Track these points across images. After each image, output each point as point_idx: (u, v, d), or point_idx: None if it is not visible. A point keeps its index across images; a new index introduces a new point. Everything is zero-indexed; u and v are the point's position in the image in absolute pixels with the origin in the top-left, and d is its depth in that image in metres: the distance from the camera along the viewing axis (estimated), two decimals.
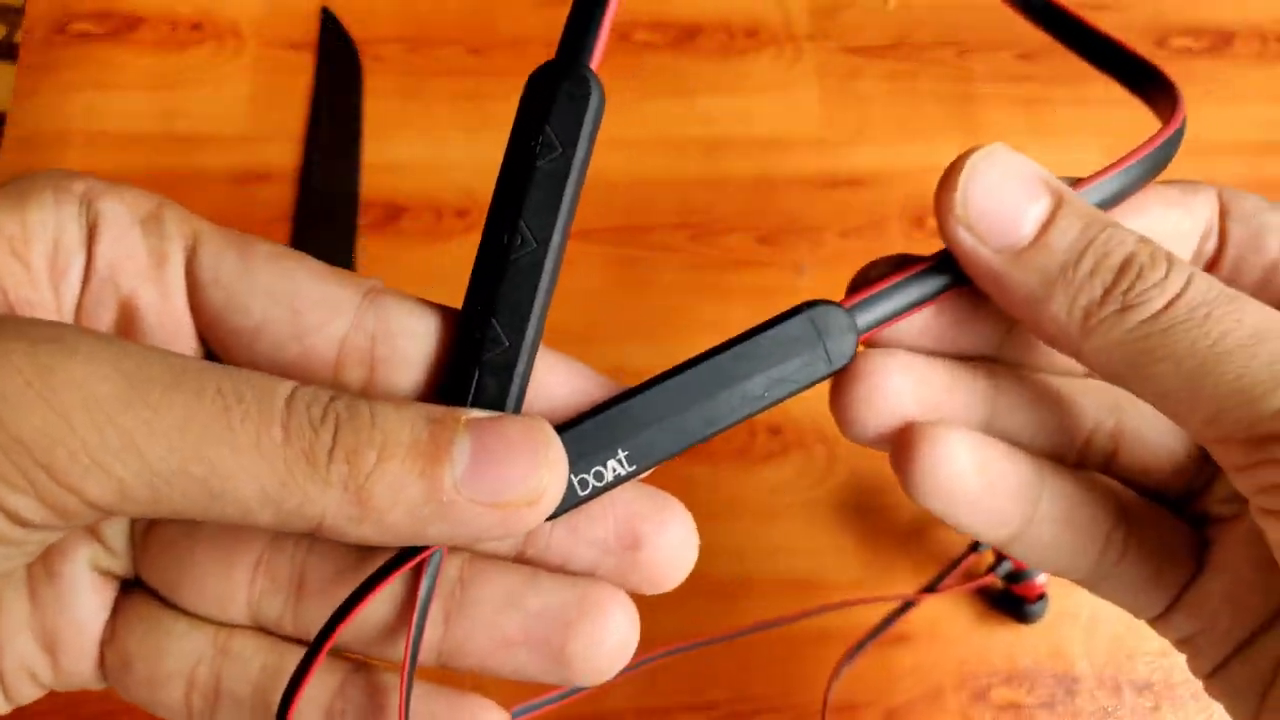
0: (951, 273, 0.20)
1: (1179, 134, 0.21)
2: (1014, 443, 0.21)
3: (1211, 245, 0.21)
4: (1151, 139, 0.20)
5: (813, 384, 0.20)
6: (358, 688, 0.20)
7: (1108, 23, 0.56)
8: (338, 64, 0.49)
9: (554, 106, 0.19)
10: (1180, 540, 0.22)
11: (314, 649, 0.18)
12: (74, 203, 0.19)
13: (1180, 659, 0.23)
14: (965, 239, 0.19)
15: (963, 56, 0.50)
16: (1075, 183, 0.20)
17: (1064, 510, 0.21)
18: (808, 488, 0.41)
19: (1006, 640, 0.39)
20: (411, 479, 0.16)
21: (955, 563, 0.39)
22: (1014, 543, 0.21)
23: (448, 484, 0.16)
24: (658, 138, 0.47)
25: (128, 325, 0.19)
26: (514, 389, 0.19)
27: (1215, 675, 0.22)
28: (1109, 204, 0.20)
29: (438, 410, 0.17)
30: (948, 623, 0.39)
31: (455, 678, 0.21)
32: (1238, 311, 0.17)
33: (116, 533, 0.20)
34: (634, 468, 0.19)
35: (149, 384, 0.15)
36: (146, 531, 0.20)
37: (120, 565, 0.21)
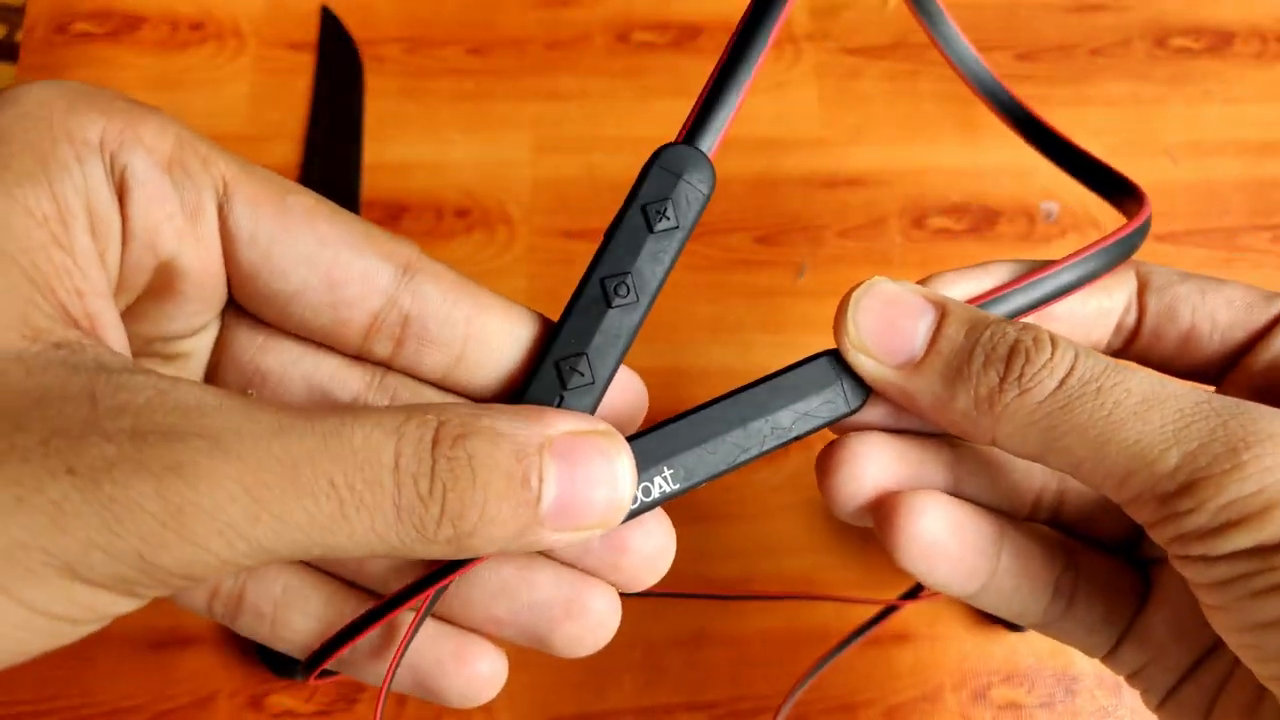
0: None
1: (1143, 229, 0.23)
2: (975, 504, 0.23)
3: (1132, 318, 0.24)
4: (1117, 231, 0.23)
5: (835, 421, 0.22)
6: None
7: (1107, 23, 0.56)
8: (338, 64, 0.49)
9: (679, 187, 0.21)
10: (1123, 581, 0.24)
11: (371, 617, 0.21)
12: (97, 160, 0.18)
13: None
14: (865, 363, 0.21)
15: None
16: (1044, 265, 0.22)
17: (1020, 562, 0.23)
18: (808, 487, 0.41)
19: (1006, 640, 0.39)
20: (505, 522, 0.18)
21: None
22: (980, 594, 0.23)
23: (536, 520, 0.18)
24: (658, 138, 0.47)
25: (163, 283, 0.19)
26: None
27: (1165, 704, 0.23)
28: (1075, 287, 0.22)
29: (525, 436, 0.18)
30: (948, 622, 0.39)
31: None
32: (1125, 381, 0.19)
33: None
34: (679, 486, 0.21)
35: (270, 492, 0.16)
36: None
37: None
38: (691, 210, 0.21)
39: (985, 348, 0.20)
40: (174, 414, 0.16)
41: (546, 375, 0.21)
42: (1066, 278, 0.22)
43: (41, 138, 0.17)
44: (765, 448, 0.21)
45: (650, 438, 0.21)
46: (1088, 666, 0.39)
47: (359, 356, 0.21)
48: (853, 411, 0.22)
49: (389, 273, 0.20)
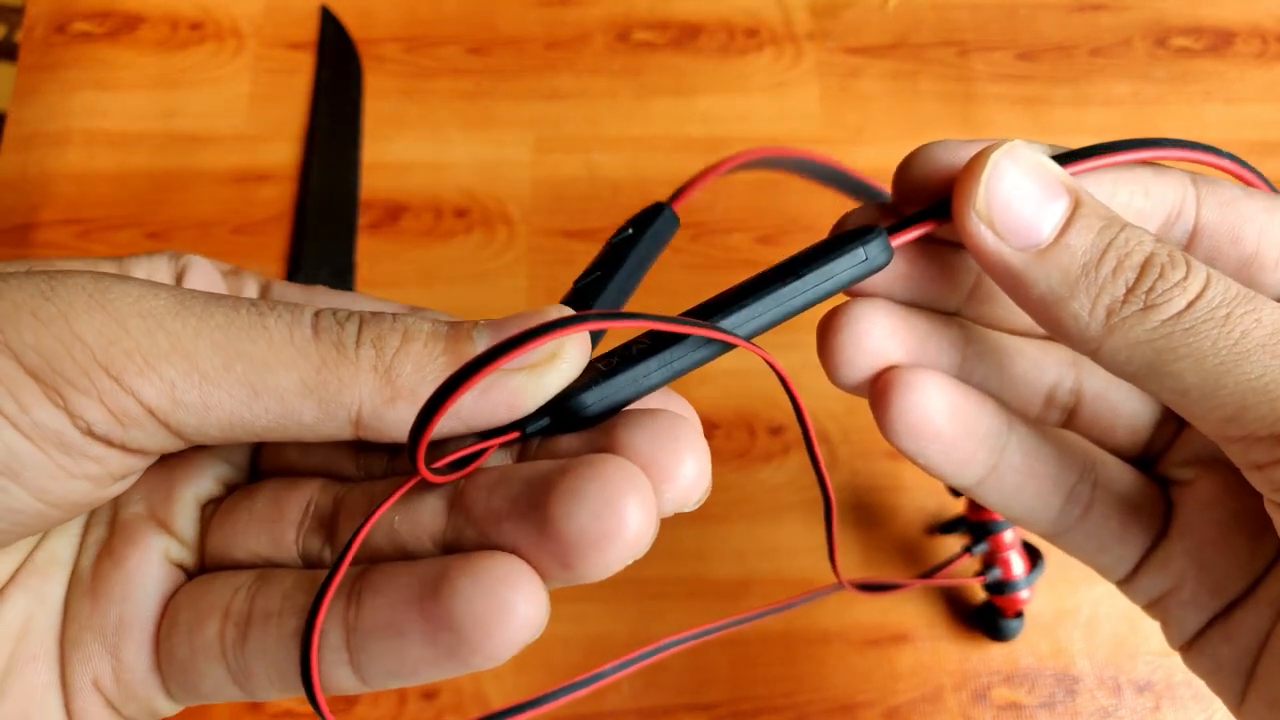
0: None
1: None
2: (982, 391, 0.22)
3: (1182, 231, 0.21)
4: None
5: (858, 280, 0.20)
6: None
7: (1107, 23, 0.56)
8: (338, 64, 0.49)
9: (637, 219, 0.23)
10: (1146, 499, 0.23)
11: (344, 553, 0.18)
12: (164, 256, 0.21)
13: (1181, 659, 0.23)
14: (986, 237, 0.19)
15: (963, 56, 0.50)
16: (1091, 152, 0.20)
17: (1028, 459, 0.22)
18: (808, 487, 0.41)
19: (1006, 641, 0.39)
20: (434, 355, 0.17)
21: (949, 560, 0.39)
22: (979, 487, 0.22)
23: (470, 356, 0.17)
24: (658, 137, 0.47)
25: None
26: None
27: (1193, 647, 0.22)
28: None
29: (455, 320, 0.18)
30: (948, 622, 0.39)
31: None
32: (1256, 311, 0.18)
33: (188, 518, 0.21)
34: (668, 375, 0.19)
35: (192, 301, 0.17)
36: (213, 515, 0.21)
37: (190, 557, 0.21)
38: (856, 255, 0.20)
39: (1119, 252, 0.18)
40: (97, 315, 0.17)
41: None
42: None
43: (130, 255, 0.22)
44: (783, 315, 0.20)
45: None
46: (1088, 667, 0.39)
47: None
48: (878, 268, 0.20)
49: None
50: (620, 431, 0.18)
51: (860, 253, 0.20)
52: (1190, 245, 0.21)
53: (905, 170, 0.21)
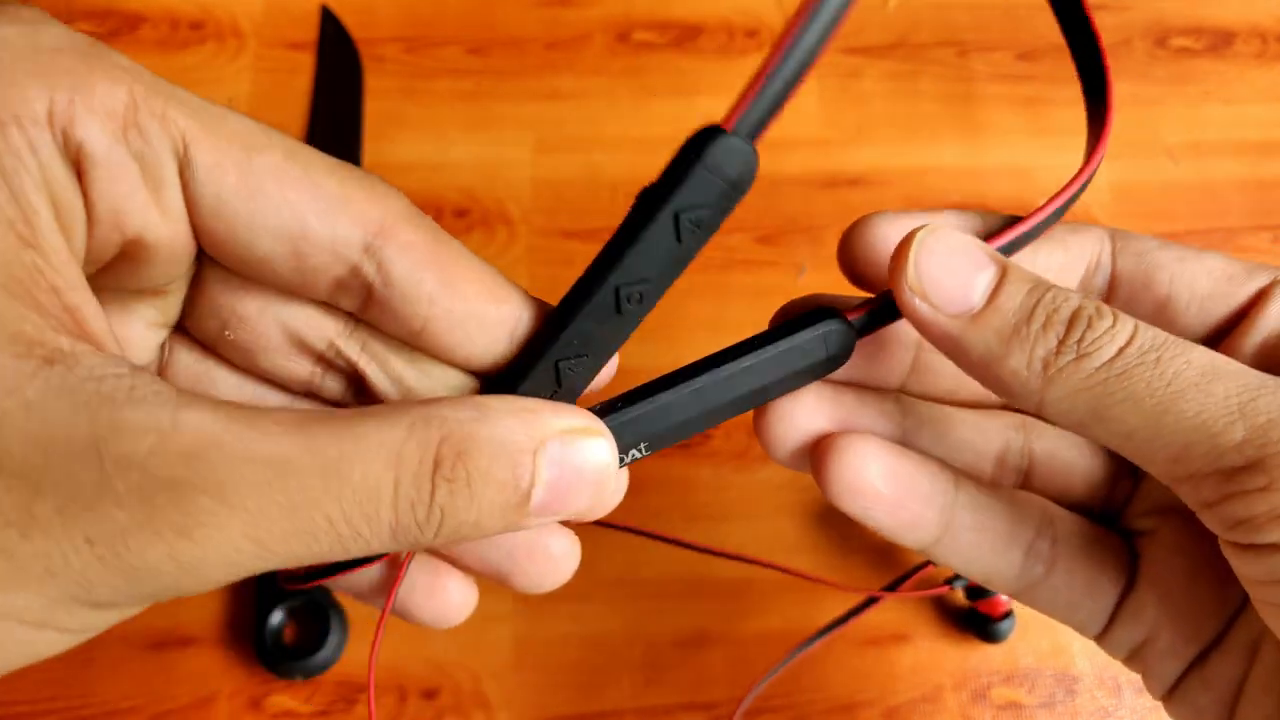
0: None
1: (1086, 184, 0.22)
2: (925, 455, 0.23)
3: (1102, 280, 0.23)
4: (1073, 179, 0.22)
5: (809, 383, 0.22)
6: None
7: (1107, 23, 0.56)
8: (338, 64, 0.49)
9: (721, 192, 0.19)
10: (1110, 552, 0.23)
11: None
12: (50, 142, 0.16)
13: None
14: (921, 307, 0.20)
15: (963, 56, 0.50)
16: (1012, 222, 0.22)
17: (980, 517, 0.22)
18: (808, 488, 0.41)
19: (1007, 641, 0.39)
20: (495, 528, 0.18)
21: (916, 569, 0.39)
22: (936, 548, 0.22)
23: (522, 519, 0.18)
24: (658, 138, 0.47)
25: (132, 255, 0.19)
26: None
27: (1173, 696, 0.23)
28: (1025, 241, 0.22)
29: (520, 443, 0.18)
30: (948, 622, 0.39)
31: None
32: (1185, 354, 0.18)
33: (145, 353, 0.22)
34: (647, 454, 0.21)
35: (271, 536, 0.16)
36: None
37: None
38: (724, 215, 0.20)
39: (1047, 308, 0.19)
40: (178, 464, 0.16)
41: (544, 373, 0.20)
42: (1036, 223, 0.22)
43: None
44: (738, 413, 0.21)
45: (636, 412, 0.21)
46: (1088, 667, 0.39)
47: (329, 306, 0.21)
48: (832, 369, 0.22)
49: (356, 240, 0.19)
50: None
51: (823, 352, 0.21)
52: (1110, 292, 0.23)
53: (846, 248, 0.22)
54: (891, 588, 0.39)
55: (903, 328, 0.22)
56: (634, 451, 0.21)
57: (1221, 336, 0.22)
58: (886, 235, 0.22)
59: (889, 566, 0.40)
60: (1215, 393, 0.18)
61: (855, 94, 0.49)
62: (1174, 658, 0.22)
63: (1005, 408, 0.25)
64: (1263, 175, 0.48)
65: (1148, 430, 0.18)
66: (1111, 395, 0.18)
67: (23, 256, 0.16)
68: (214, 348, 0.22)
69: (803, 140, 0.48)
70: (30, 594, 0.15)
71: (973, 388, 0.22)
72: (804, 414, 0.22)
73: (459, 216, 0.45)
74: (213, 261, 0.20)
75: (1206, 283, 0.22)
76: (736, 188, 0.19)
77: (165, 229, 0.18)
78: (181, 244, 0.19)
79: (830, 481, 0.22)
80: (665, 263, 0.20)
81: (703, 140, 0.19)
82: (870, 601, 0.38)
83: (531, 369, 0.20)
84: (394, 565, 0.24)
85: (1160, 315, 0.22)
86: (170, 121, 0.18)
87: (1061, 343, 0.19)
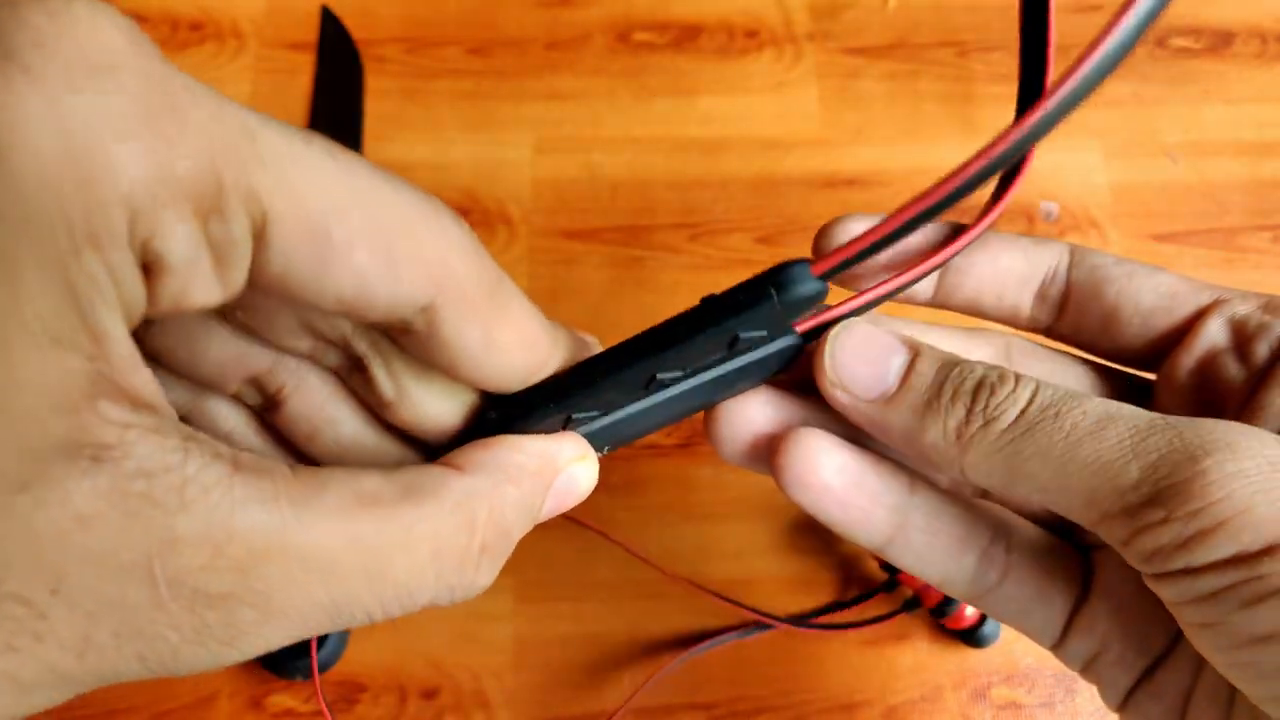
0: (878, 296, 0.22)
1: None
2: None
3: (1057, 291, 0.24)
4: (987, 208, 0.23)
5: (770, 375, 0.23)
6: None
7: (1107, 23, 0.55)
8: (338, 64, 0.49)
9: (783, 326, 0.21)
10: (1064, 563, 0.24)
11: None
12: (129, 260, 0.14)
13: None
14: (842, 397, 0.22)
15: (963, 56, 0.50)
16: (958, 230, 0.23)
17: (933, 520, 0.23)
18: None
19: (1006, 640, 0.39)
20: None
21: (856, 599, 0.39)
22: (889, 548, 0.23)
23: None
24: (658, 138, 0.47)
25: (183, 310, 0.17)
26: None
27: (1126, 707, 0.23)
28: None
29: (538, 495, 0.21)
30: None
31: None
32: (1081, 405, 0.20)
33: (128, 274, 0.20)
34: (610, 452, 0.23)
35: (310, 627, 0.17)
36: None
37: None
38: (781, 359, 0.22)
39: (954, 383, 0.21)
40: (230, 578, 0.15)
41: (554, 419, 0.21)
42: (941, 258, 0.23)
43: (55, 247, 0.14)
44: (699, 408, 0.23)
45: (610, 421, 0.22)
46: None
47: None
48: (790, 361, 0.22)
49: (414, 303, 0.18)
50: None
51: (776, 363, 0.22)
52: (1064, 303, 0.24)
53: (817, 250, 0.24)
54: (831, 608, 0.39)
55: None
56: (602, 450, 0.22)
57: (1164, 352, 0.24)
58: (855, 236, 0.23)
59: (852, 581, 0.40)
60: (1109, 437, 0.19)
61: (855, 94, 0.49)
62: (1124, 669, 0.23)
63: None
64: (1263, 175, 0.48)
65: (1057, 481, 0.19)
66: (1020, 454, 0.20)
67: (88, 370, 0.14)
68: (219, 313, 0.20)
69: (802, 140, 0.48)
70: (52, 691, 0.16)
71: None
72: (758, 417, 0.23)
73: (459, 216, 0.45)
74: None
75: (1151, 299, 0.23)
76: (793, 312, 0.21)
77: (221, 296, 0.16)
78: (236, 292, 0.17)
79: (782, 472, 0.22)
80: (705, 364, 0.21)
81: (784, 269, 0.21)
82: (763, 628, 0.38)
83: (544, 413, 0.21)
84: None
85: (1107, 328, 0.24)
86: (254, 199, 0.15)
87: (970, 411, 0.20)
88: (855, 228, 0.23)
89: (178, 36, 0.49)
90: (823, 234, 0.24)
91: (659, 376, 0.21)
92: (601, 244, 0.44)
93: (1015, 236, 0.25)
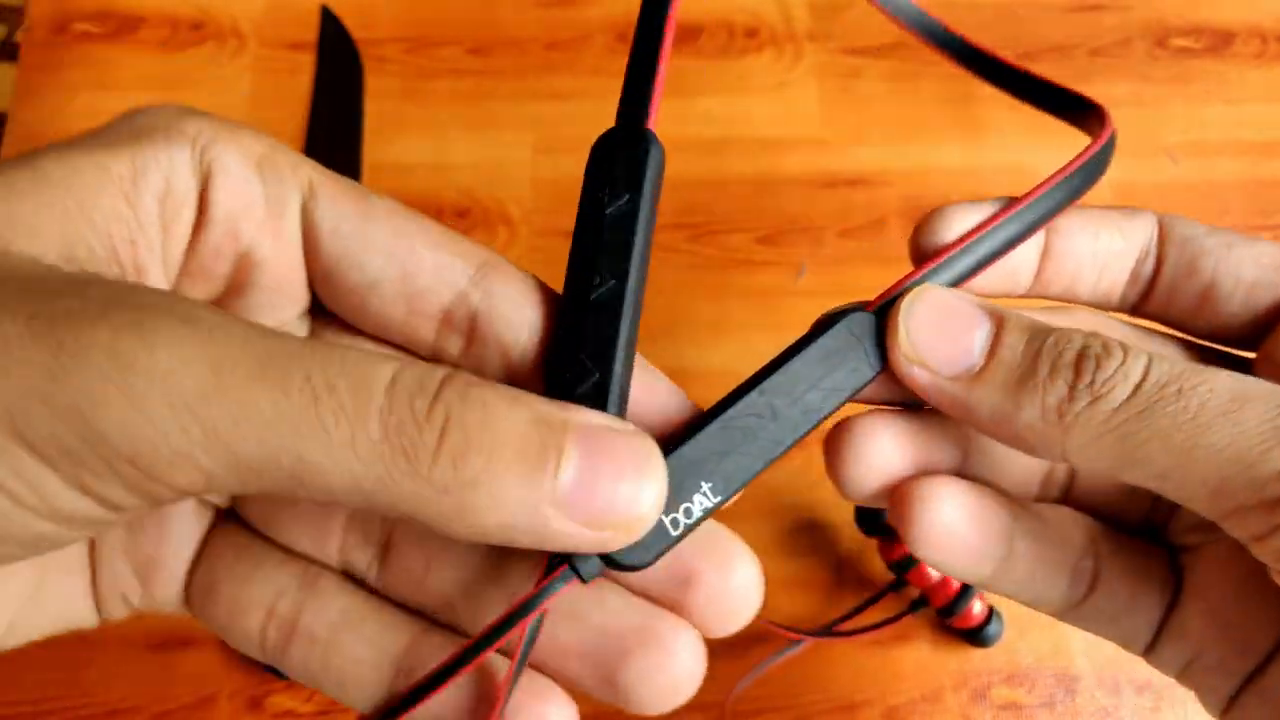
0: (964, 264, 0.21)
1: (1109, 147, 0.22)
2: (986, 484, 0.22)
3: (1149, 268, 0.22)
4: (1082, 153, 0.21)
5: (863, 387, 0.20)
6: (431, 647, 0.20)
7: (1107, 23, 0.56)
8: (338, 64, 0.49)
9: (618, 161, 0.20)
10: (1153, 568, 0.23)
11: (450, 668, 0.18)
12: (186, 146, 0.18)
13: None
14: (920, 375, 0.19)
15: None
16: (1013, 201, 0.21)
17: (1034, 546, 0.22)
18: (807, 489, 0.41)
19: (1007, 640, 0.39)
20: (514, 488, 0.16)
21: (867, 602, 0.39)
22: (994, 580, 0.22)
23: (548, 498, 0.16)
24: (659, 138, 0.47)
25: (243, 276, 0.19)
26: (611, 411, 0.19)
27: (1229, 713, 0.22)
28: (1051, 216, 0.21)
29: (548, 410, 0.17)
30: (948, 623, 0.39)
31: None
32: (1208, 381, 0.17)
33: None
34: (719, 499, 0.19)
35: (234, 373, 0.14)
36: None
37: (220, 497, 0.21)
38: (641, 178, 0.20)
39: (1051, 355, 0.19)
40: (160, 296, 0.15)
41: (552, 388, 0.19)
42: (1050, 202, 0.21)
43: (140, 126, 0.18)
44: (800, 435, 0.20)
45: (681, 452, 0.19)
46: (1088, 667, 0.39)
47: (434, 357, 0.21)
48: (879, 372, 0.20)
49: (462, 269, 0.20)
50: (693, 592, 0.19)
51: (858, 345, 0.20)
52: (1155, 279, 0.22)
53: (916, 243, 0.21)
54: (846, 617, 0.39)
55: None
56: (700, 498, 0.19)
57: (1269, 329, 0.21)
58: (959, 228, 0.21)
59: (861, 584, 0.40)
60: (1246, 420, 0.17)
61: (855, 94, 0.49)
62: (1225, 674, 0.21)
63: None
64: (1263, 175, 0.48)
65: (1180, 468, 0.17)
66: (1135, 436, 0.17)
67: (115, 203, 0.17)
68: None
69: (802, 140, 0.48)
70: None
71: None
72: (882, 454, 0.21)
73: (459, 216, 0.45)
74: (323, 324, 0.21)
75: (1253, 271, 0.21)
76: (625, 157, 0.21)
77: (278, 249, 0.19)
78: (293, 270, 0.19)
79: (916, 537, 0.21)
80: (603, 235, 0.20)
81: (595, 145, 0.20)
82: (796, 644, 0.38)
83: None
84: (485, 701, 0.20)
85: (1204, 304, 0.21)
86: (300, 168, 0.19)
87: (1073, 387, 0.18)
88: (961, 221, 0.21)
89: (178, 36, 0.49)
90: (931, 230, 0.21)
91: (589, 277, 0.19)
92: None
93: (1104, 210, 0.23)
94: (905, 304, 0.20)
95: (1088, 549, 0.22)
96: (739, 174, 0.47)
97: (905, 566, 0.37)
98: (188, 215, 0.18)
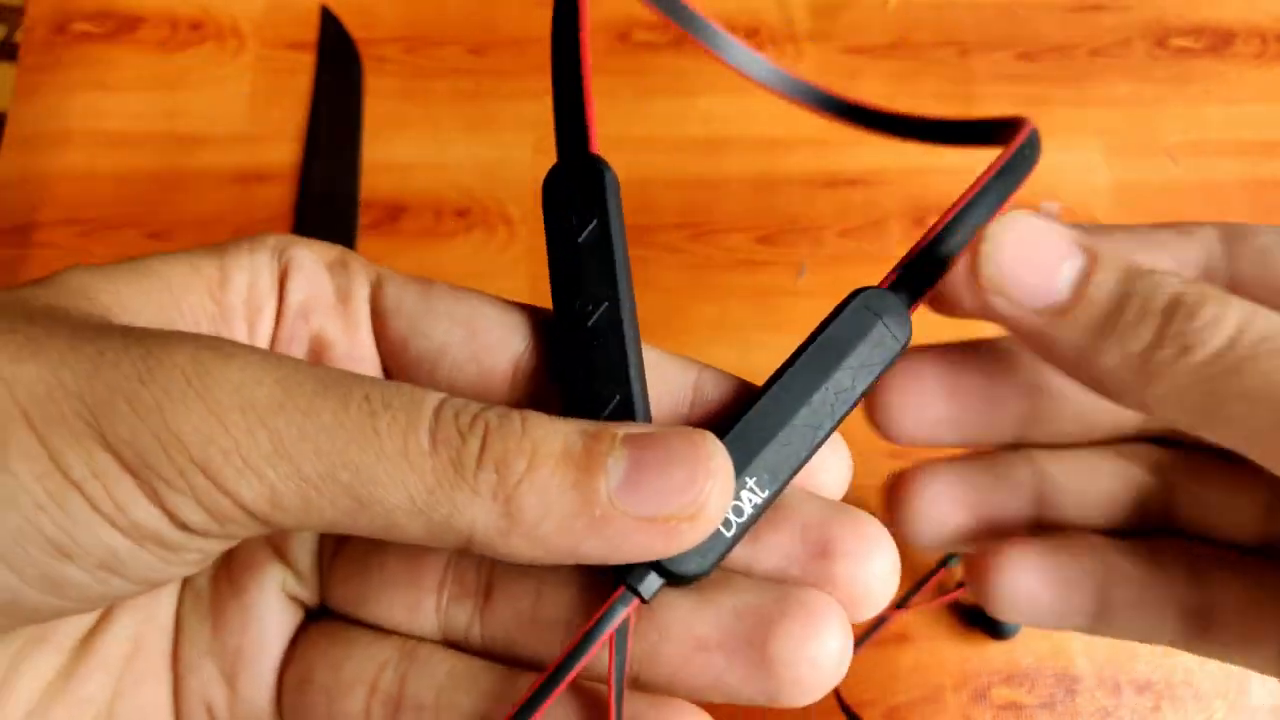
0: (959, 233, 0.20)
1: (1028, 148, 0.21)
2: (1069, 522, 0.21)
3: (1220, 282, 0.21)
4: (998, 159, 0.21)
5: (891, 363, 0.20)
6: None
7: (1107, 23, 0.56)
8: (338, 64, 0.49)
9: (575, 192, 0.20)
10: (1271, 586, 0.21)
11: (547, 684, 0.17)
12: (267, 251, 0.20)
13: (1181, 658, 0.23)
14: (1004, 305, 0.19)
15: (963, 56, 0.50)
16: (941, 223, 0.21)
17: (1133, 590, 0.21)
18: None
19: (1006, 641, 0.39)
20: (563, 489, 0.16)
21: (924, 579, 0.39)
22: (1092, 630, 0.21)
23: (602, 496, 0.16)
24: (658, 137, 0.47)
25: (317, 357, 0.20)
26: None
27: None
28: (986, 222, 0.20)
29: (593, 424, 0.16)
30: (948, 622, 0.39)
31: None
32: None
33: (304, 554, 0.20)
34: (768, 493, 0.18)
35: (299, 390, 0.15)
36: (334, 554, 0.20)
37: (308, 592, 0.20)
38: (602, 201, 0.20)
39: (1142, 297, 0.17)
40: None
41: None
42: (983, 209, 0.20)
43: (233, 240, 0.20)
44: (838, 418, 0.19)
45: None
46: (1088, 667, 0.39)
47: None
48: (906, 343, 0.20)
49: (527, 324, 0.20)
50: (833, 565, 0.18)
51: (885, 331, 0.19)
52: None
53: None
54: (902, 603, 0.39)
55: (1009, 375, 0.21)
56: (748, 495, 0.18)
57: None
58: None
59: (908, 566, 0.40)
60: None
61: (855, 94, 0.49)
62: None
63: (1139, 438, 0.23)
64: (1263, 175, 0.48)
65: (1273, 430, 0.16)
66: (1227, 390, 0.16)
67: (203, 298, 0.19)
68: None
69: (803, 140, 0.48)
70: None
71: (1102, 425, 0.21)
72: (946, 511, 0.21)
73: (459, 216, 0.45)
74: None
75: None
76: (579, 187, 0.21)
77: (347, 332, 0.20)
78: (363, 350, 0.20)
79: (995, 605, 0.20)
80: (582, 264, 0.20)
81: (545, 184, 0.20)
82: (881, 622, 0.38)
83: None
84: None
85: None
86: (370, 267, 0.20)
87: (1159, 335, 0.17)
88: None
89: (178, 36, 0.49)
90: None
91: (581, 305, 0.19)
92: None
93: (1153, 229, 0.21)
94: (993, 229, 0.19)
95: (1193, 578, 0.21)
96: (739, 174, 0.47)
97: None
98: (270, 310, 0.20)
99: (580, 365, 0.19)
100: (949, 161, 0.50)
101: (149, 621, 0.19)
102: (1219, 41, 0.51)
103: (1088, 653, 0.39)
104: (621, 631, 0.17)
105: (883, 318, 0.19)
